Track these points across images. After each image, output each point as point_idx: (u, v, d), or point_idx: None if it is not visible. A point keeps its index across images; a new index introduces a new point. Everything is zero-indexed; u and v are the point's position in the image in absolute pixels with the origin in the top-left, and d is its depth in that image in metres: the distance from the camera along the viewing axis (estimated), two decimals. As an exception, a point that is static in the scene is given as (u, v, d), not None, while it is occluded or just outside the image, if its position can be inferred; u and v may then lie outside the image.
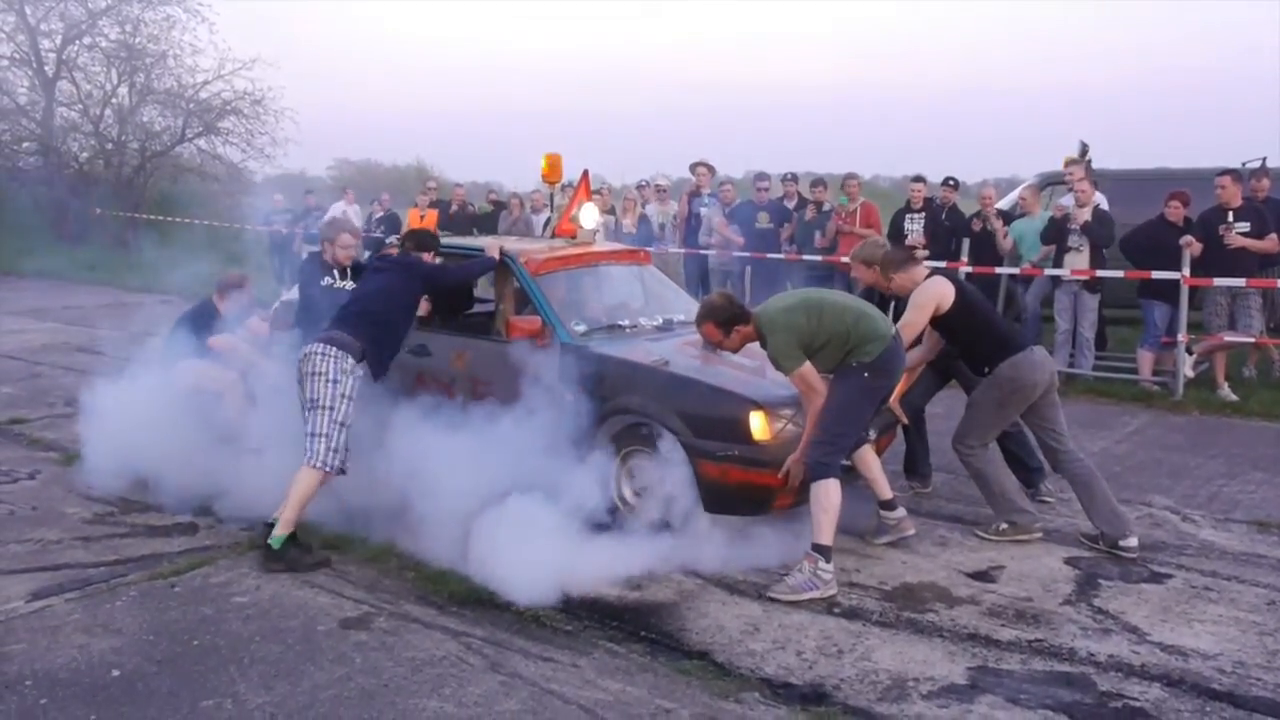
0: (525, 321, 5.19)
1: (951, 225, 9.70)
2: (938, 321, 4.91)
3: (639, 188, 12.05)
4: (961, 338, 4.99)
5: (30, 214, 21.44)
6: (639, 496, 4.90)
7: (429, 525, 4.57)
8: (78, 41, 22.40)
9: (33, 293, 15.41)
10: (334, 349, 4.60)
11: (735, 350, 4.65)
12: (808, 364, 4.35)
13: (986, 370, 4.92)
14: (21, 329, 11.82)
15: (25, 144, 22.84)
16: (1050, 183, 10.77)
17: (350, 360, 4.62)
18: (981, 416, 4.95)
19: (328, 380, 4.53)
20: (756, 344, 4.56)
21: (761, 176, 10.87)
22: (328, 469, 4.51)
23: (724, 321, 4.53)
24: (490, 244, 5.76)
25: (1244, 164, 9.16)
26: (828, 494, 4.29)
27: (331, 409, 4.52)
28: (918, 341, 5.02)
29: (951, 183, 9.88)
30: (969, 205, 10.55)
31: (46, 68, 22.21)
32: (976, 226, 9.52)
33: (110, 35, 22.66)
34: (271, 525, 4.53)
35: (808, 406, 4.42)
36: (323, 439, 4.50)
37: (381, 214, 13.72)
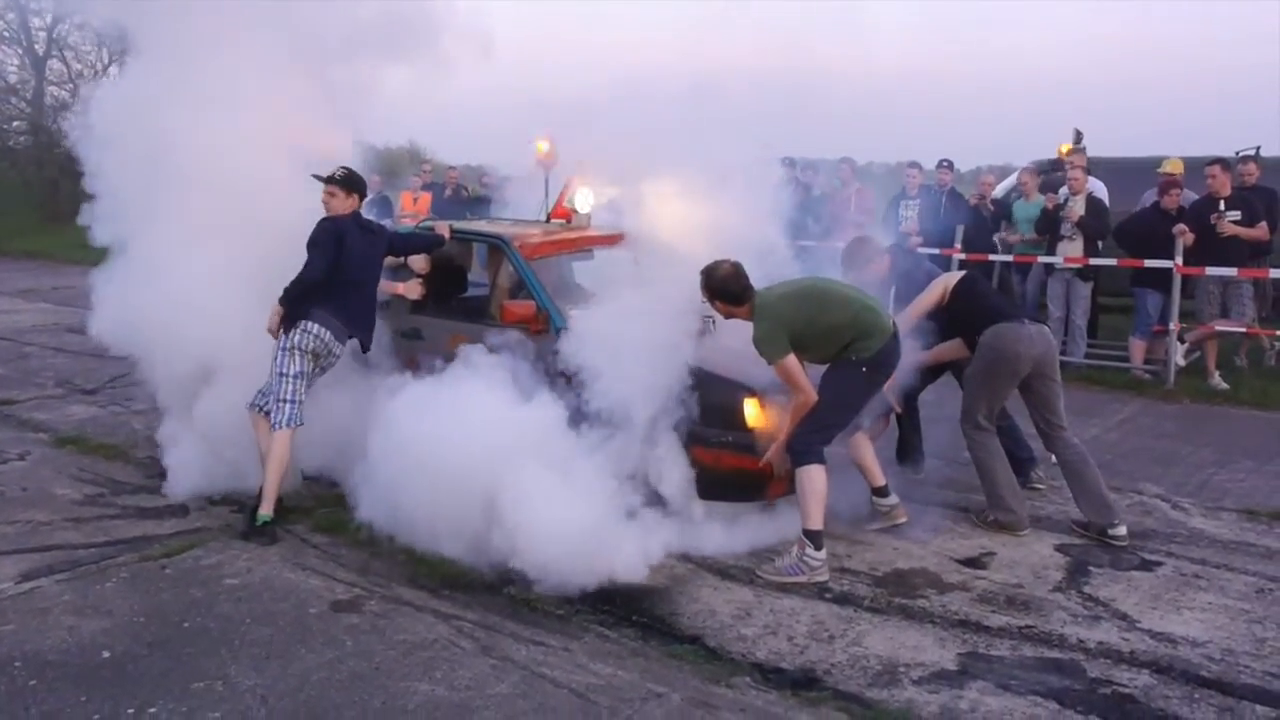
0: (519, 306, 5.16)
1: (952, 206, 9.67)
2: (944, 309, 4.97)
3: None
4: (961, 318, 5.01)
5: (20, 194, 21.32)
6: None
7: (422, 510, 4.54)
8: (68, 20, 22.20)
9: (23, 273, 15.33)
10: (324, 330, 4.82)
11: (723, 316, 4.59)
12: (791, 356, 4.28)
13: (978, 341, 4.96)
14: (11, 309, 11.77)
15: (15, 123, 22.71)
16: (1046, 171, 10.75)
17: (340, 346, 4.92)
18: (974, 389, 4.97)
19: (311, 356, 4.83)
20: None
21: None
22: (293, 425, 4.75)
23: (710, 288, 4.44)
24: (440, 225, 5.83)
25: (1237, 153, 9.16)
26: (812, 480, 4.29)
27: (303, 379, 4.79)
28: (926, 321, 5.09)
29: (946, 164, 9.84)
30: (964, 191, 10.53)
31: (37, 46, 22.06)
32: (974, 201, 9.52)
33: (101, 13, 22.48)
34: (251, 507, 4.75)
35: (791, 398, 4.40)
36: (288, 404, 4.75)
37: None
